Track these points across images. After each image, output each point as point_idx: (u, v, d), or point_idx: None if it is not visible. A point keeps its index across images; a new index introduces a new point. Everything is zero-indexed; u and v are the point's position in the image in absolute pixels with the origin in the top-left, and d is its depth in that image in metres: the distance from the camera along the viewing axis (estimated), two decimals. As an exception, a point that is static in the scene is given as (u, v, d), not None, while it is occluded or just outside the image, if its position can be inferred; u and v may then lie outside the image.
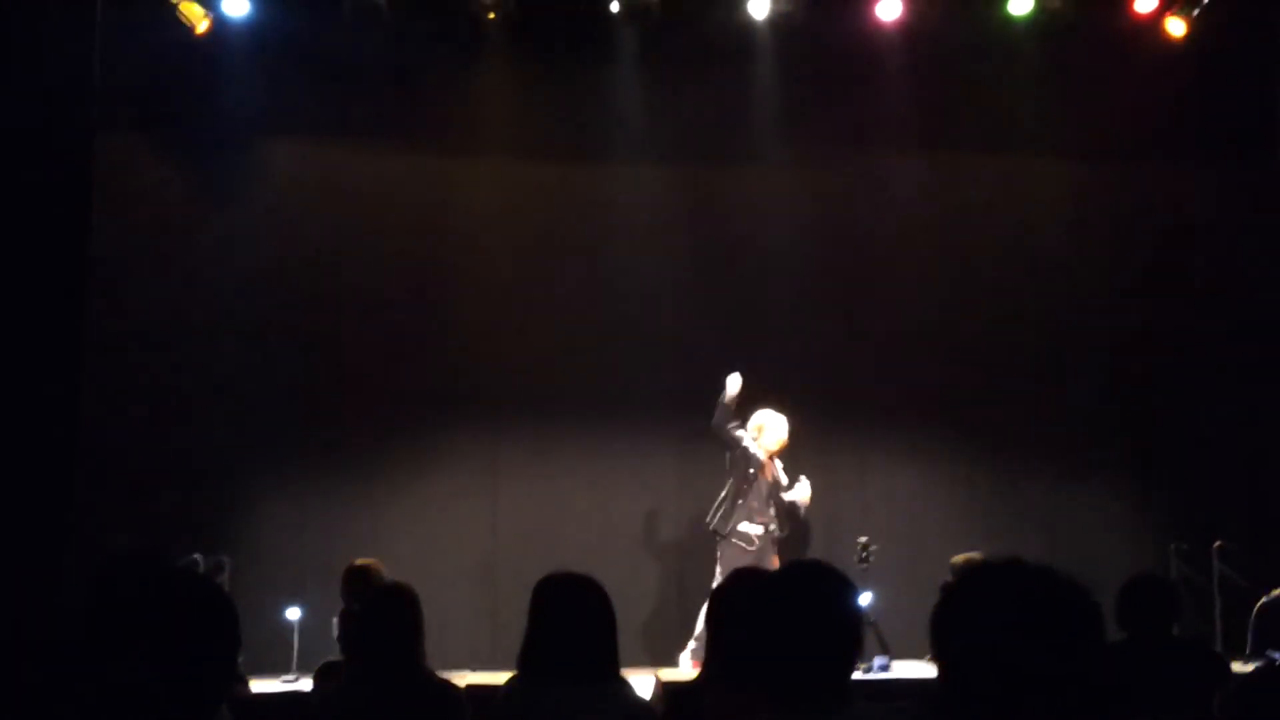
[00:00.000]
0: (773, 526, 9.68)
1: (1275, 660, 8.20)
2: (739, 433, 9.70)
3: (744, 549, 9.49)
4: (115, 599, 2.27)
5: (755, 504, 9.65)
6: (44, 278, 9.70)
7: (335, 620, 7.74)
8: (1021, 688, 2.03)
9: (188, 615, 2.26)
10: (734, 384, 9.59)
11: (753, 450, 9.69)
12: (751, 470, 9.67)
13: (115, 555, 8.81)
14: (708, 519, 9.75)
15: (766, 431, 9.76)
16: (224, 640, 2.31)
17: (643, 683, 5.31)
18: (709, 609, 4.03)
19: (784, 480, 9.75)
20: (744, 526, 9.63)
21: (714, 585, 9.45)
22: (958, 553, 8.63)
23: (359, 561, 7.33)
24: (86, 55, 9.78)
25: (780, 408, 9.85)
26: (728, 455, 9.77)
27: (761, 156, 11.02)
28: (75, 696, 2.19)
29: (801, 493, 9.74)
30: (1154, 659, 5.46)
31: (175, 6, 9.92)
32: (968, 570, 2.17)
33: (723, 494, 9.73)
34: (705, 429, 9.80)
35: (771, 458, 9.76)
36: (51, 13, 9.63)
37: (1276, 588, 9.11)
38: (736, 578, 4.12)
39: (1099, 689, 2.07)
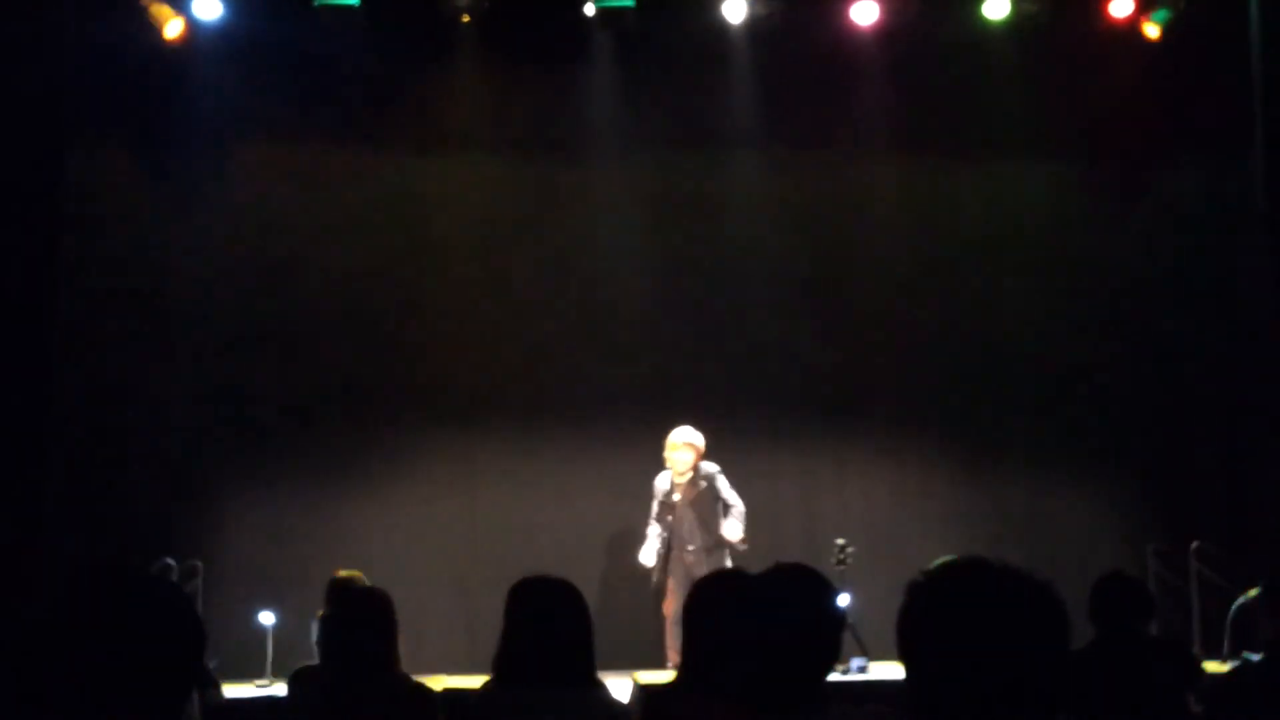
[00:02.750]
0: (703, 541, 9.64)
1: (1251, 660, 8.22)
2: (658, 489, 9.78)
3: (680, 564, 9.52)
4: (72, 602, 2.25)
5: (681, 528, 9.66)
6: (14, 283, 9.63)
7: (314, 624, 7.71)
8: (987, 688, 2.03)
9: (144, 618, 2.23)
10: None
11: (666, 498, 9.71)
12: (672, 508, 9.69)
13: (78, 560, 8.79)
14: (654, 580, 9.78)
15: (672, 456, 9.71)
16: (184, 644, 2.29)
17: (620, 685, 5.29)
18: (684, 611, 4.01)
19: (718, 494, 9.69)
20: (676, 554, 9.66)
21: (665, 608, 9.51)
22: (935, 554, 8.58)
23: (343, 573, 7.31)
24: (57, 59, 9.72)
25: (746, 413, 9.86)
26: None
27: (737, 159, 11.04)
28: (32, 700, 2.16)
29: (731, 532, 9.62)
30: (1126, 658, 5.46)
31: (145, 9, 9.89)
32: (931, 571, 2.17)
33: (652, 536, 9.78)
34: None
35: (693, 480, 9.71)
36: (21, 17, 9.56)
37: (1254, 588, 9.12)
38: (714, 579, 4.10)
39: (1064, 688, 2.07)
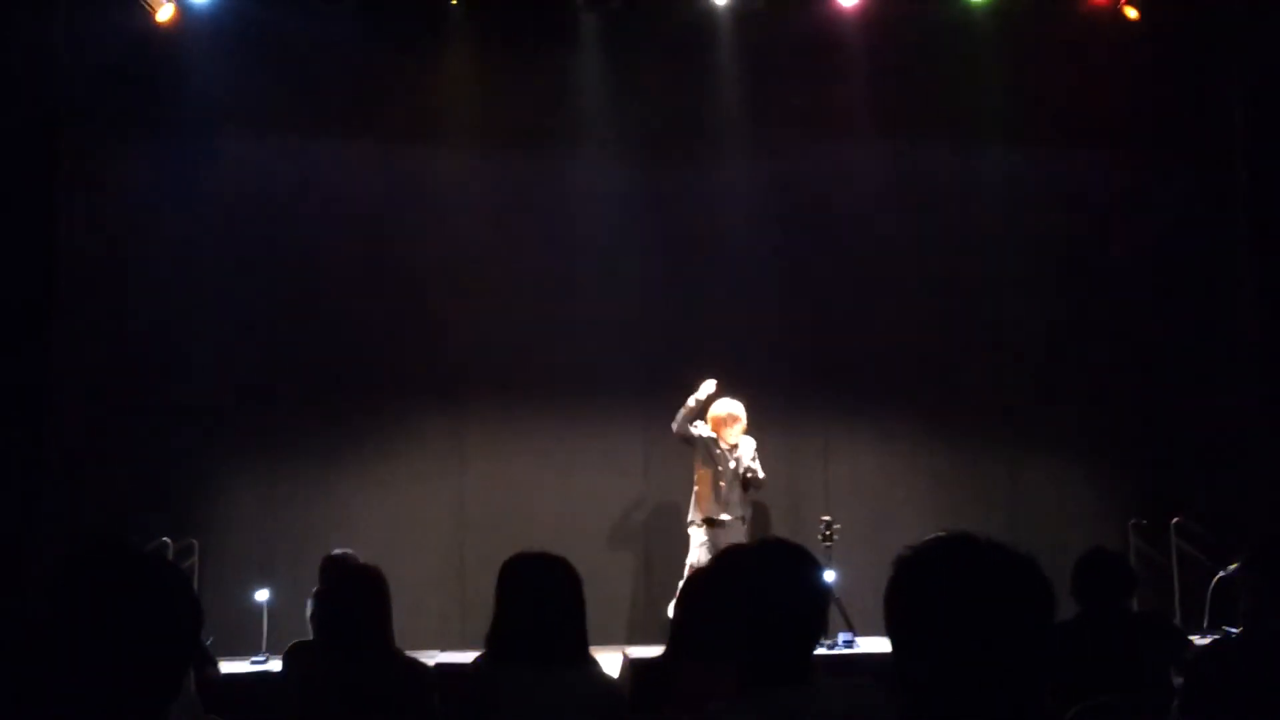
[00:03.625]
0: (742, 511, 9.75)
1: (1230, 634, 8.29)
2: (700, 431, 9.83)
3: (716, 532, 9.58)
4: (70, 581, 2.29)
5: (725, 492, 9.73)
6: (9, 266, 9.65)
7: (309, 601, 7.78)
8: (971, 661, 2.07)
9: (141, 596, 2.27)
10: (707, 388, 9.77)
11: (715, 446, 9.78)
12: (719, 465, 9.76)
13: (75, 539, 8.82)
14: (689, 517, 9.85)
15: (726, 424, 9.82)
16: (181, 621, 2.33)
17: (611, 660, 5.36)
18: (686, 586, 4.06)
19: (746, 463, 9.81)
20: (715, 515, 9.70)
21: (686, 570, 9.61)
22: (919, 530, 8.62)
23: (336, 550, 7.38)
24: (50, 44, 9.73)
25: (734, 392, 9.94)
26: (695, 449, 9.88)
27: (724, 141, 11.06)
28: (31, 679, 2.20)
29: (746, 454, 9.78)
30: (1111, 633, 5.54)
31: (138, -8, 9.91)
32: (918, 546, 2.22)
33: (695, 487, 9.83)
34: (669, 413, 9.89)
35: (734, 446, 9.83)
36: (13, 2, 9.57)
37: (1234, 563, 9.19)
38: (724, 555, 4.17)
39: (1049, 662, 2.12)
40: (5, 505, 9.22)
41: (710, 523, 9.68)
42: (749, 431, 9.89)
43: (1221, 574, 9.06)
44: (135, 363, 10.23)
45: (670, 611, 9.35)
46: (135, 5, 9.88)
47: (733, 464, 9.77)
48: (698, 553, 9.65)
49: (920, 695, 2.12)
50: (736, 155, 11.06)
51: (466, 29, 10.71)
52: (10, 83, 9.49)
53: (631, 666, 5.00)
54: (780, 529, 9.81)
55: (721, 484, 9.75)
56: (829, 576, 8.61)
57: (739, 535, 9.49)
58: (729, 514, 9.71)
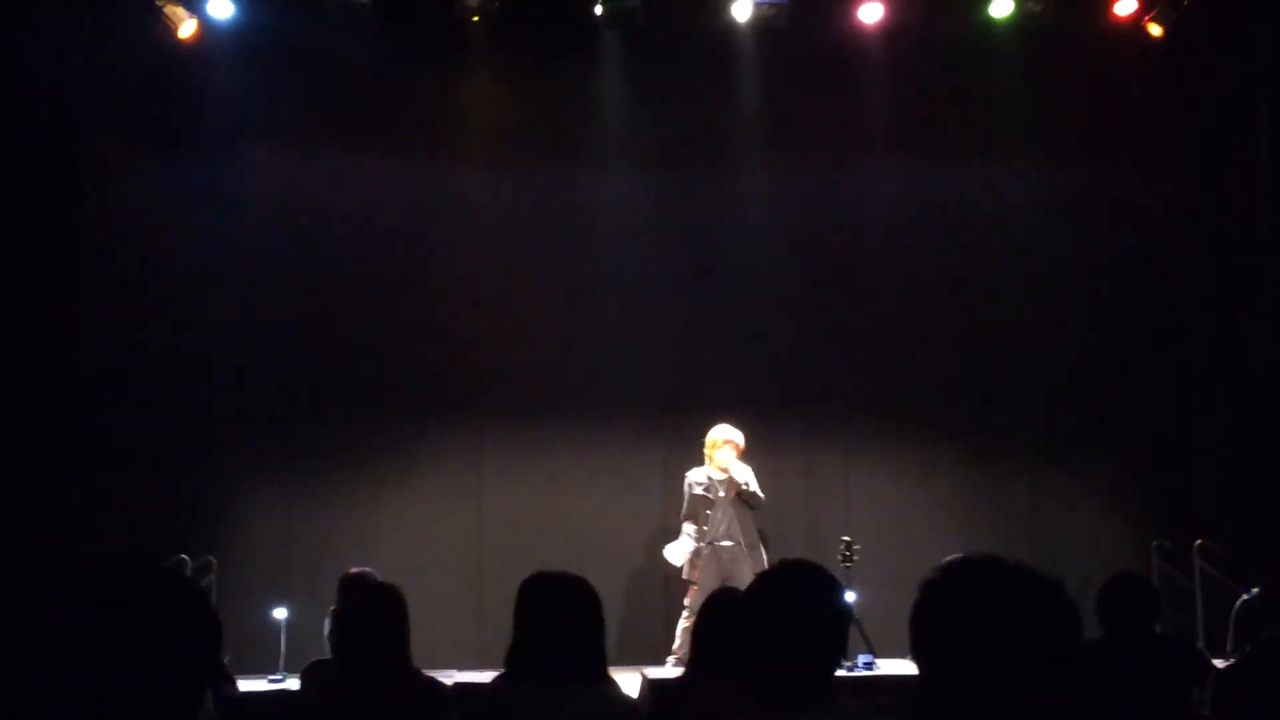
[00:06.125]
0: (743, 538, 9.70)
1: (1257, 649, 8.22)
2: (690, 492, 9.83)
3: (714, 559, 9.56)
4: (91, 598, 2.28)
5: (720, 524, 9.71)
6: (29, 280, 9.69)
7: (327, 620, 7.78)
8: (998, 684, 2.06)
9: (161, 614, 2.26)
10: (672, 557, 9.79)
11: (706, 492, 9.75)
12: (710, 503, 9.74)
13: (94, 557, 8.84)
14: (682, 569, 9.85)
15: (719, 447, 9.76)
16: (200, 638, 2.32)
17: (629, 680, 5.34)
18: (699, 614, 4.04)
19: (742, 483, 9.72)
20: (713, 540, 9.69)
21: (686, 599, 9.59)
22: (940, 551, 8.63)
23: (355, 569, 7.38)
24: (71, 59, 9.78)
25: (754, 410, 9.93)
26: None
27: (745, 158, 11.07)
28: (51, 696, 2.19)
29: (738, 474, 9.70)
30: (1135, 656, 5.51)
31: (160, 9, 9.95)
32: (947, 568, 2.20)
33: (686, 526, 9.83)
34: (689, 432, 9.89)
35: (734, 478, 9.75)
36: (35, 16, 9.62)
37: (1257, 586, 9.15)
38: (723, 595, 4.13)
39: (1075, 685, 2.10)
40: (25, 522, 9.24)
41: (711, 546, 9.68)
42: (759, 454, 9.86)
43: (1245, 597, 9.01)
44: (154, 378, 10.26)
45: (679, 630, 9.45)
46: (158, 21, 9.92)
47: (722, 493, 9.73)
48: (685, 560, 9.74)
49: (944, 716, 2.10)
50: (757, 172, 11.06)
51: (488, 44, 10.73)
52: (34, 98, 9.54)
53: (650, 687, 4.98)
54: (800, 549, 9.77)
55: (708, 511, 9.72)
56: (849, 597, 8.61)
57: (742, 559, 9.43)
58: (729, 540, 9.67)
